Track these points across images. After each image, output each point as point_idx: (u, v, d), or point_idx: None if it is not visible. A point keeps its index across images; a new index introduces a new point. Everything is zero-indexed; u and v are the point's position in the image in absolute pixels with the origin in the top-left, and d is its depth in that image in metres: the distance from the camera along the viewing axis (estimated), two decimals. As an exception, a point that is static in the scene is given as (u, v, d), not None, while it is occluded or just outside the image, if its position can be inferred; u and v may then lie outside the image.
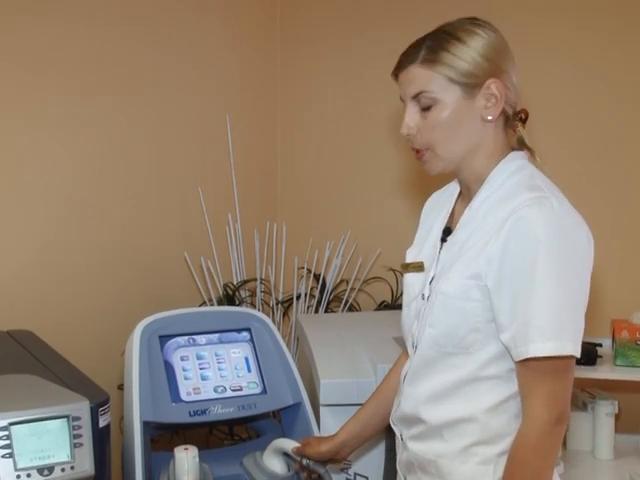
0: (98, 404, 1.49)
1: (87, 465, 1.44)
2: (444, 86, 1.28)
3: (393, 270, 2.67)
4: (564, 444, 2.33)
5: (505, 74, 1.30)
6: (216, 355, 1.86)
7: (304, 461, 1.62)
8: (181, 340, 1.85)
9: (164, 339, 1.84)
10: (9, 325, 1.97)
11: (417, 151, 1.34)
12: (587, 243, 1.27)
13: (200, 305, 2.59)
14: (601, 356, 2.23)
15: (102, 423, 1.50)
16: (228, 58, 2.75)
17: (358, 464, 1.89)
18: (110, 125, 2.34)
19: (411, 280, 1.42)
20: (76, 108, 2.23)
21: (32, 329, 1.96)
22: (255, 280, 2.69)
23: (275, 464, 1.69)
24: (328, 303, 2.71)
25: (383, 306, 2.71)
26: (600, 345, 2.26)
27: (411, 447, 1.39)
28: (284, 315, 2.74)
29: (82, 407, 1.46)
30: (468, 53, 1.27)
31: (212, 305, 2.57)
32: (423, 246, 1.44)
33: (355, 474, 1.90)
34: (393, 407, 1.48)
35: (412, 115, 1.31)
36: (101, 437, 1.49)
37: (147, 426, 1.73)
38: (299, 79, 2.91)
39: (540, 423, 1.22)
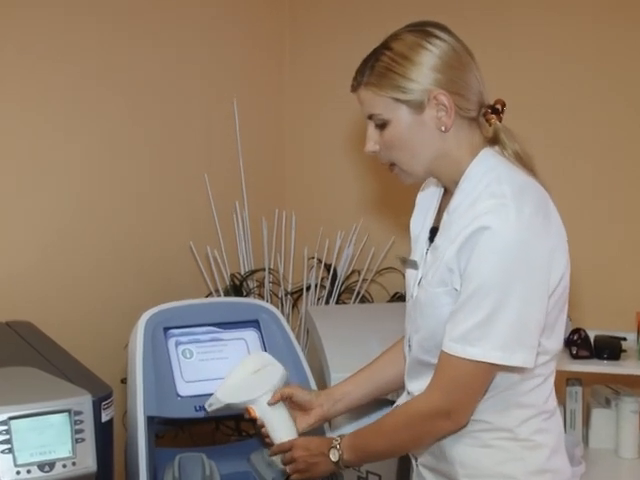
0: (101, 398, 1.50)
1: (89, 461, 1.45)
2: (391, 106, 1.32)
3: (405, 259, 2.65)
4: (586, 442, 2.33)
5: (456, 80, 1.32)
6: (222, 348, 1.86)
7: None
8: (186, 332, 1.85)
9: (169, 331, 1.84)
10: (8, 316, 1.97)
11: (388, 165, 1.40)
12: (547, 253, 1.28)
13: (206, 296, 2.59)
14: (625, 350, 2.22)
15: (105, 418, 1.50)
16: (235, 40, 2.74)
17: (370, 463, 1.89)
18: (114, 111, 2.34)
19: (408, 276, 1.48)
20: (79, 95, 2.23)
21: (31, 320, 1.96)
22: (263, 270, 2.68)
23: (284, 461, 1.69)
24: (339, 294, 2.71)
25: (396, 297, 2.70)
26: (624, 339, 2.25)
27: None
28: (293, 307, 2.74)
29: (84, 401, 1.46)
30: (411, 70, 1.31)
31: (218, 296, 2.57)
32: (417, 243, 1.48)
33: (367, 472, 1.91)
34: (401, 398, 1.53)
35: (372, 134, 1.37)
36: (104, 432, 1.50)
37: (151, 421, 1.73)
38: (308, 62, 2.90)
39: (431, 404, 1.32)
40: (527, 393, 1.34)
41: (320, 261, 2.72)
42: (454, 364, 1.29)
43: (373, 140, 1.37)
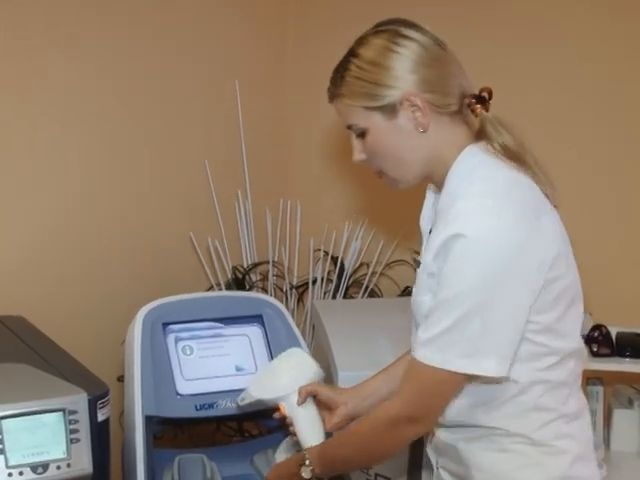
0: (97, 397, 1.50)
1: (85, 463, 1.45)
2: (364, 115, 1.35)
3: (418, 253, 2.66)
4: (607, 444, 2.33)
5: (429, 78, 1.33)
6: (224, 344, 1.87)
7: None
8: (186, 328, 1.86)
9: (168, 326, 1.85)
10: (-1, 311, 1.99)
11: (376, 172, 1.43)
12: (531, 258, 1.26)
13: (207, 290, 2.59)
14: (649, 348, 2.22)
15: (101, 417, 1.50)
16: (237, 19, 2.73)
17: (379, 465, 1.90)
18: (111, 98, 2.33)
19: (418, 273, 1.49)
20: (76, 81, 2.23)
21: (24, 315, 1.97)
22: (267, 263, 2.69)
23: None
24: (347, 288, 2.71)
25: (407, 292, 2.70)
26: (647, 336, 2.25)
27: (436, 432, 1.46)
28: (298, 301, 2.75)
29: (79, 400, 1.47)
30: (381, 76, 1.33)
31: (220, 290, 2.57)
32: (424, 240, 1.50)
33: (376, 475, 1.91)
34: None
35: (356, 144, 1.40)
36: (100, 432, 1.50)
37: (149, 421, 1.74)
38: (312, 43, 2.89)
39: (395, 410, 1.35)
40: (542, 396, 1.34)
41: (327, 253, 2.72)
42: (420, 370, 1.31)
43: (358, 149, 1.40)
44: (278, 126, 2.93)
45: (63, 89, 2.20)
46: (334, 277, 2.71)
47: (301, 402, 1.60)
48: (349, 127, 1.39)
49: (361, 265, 2.76)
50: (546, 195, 1.35)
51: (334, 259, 2.73)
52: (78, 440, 1.45)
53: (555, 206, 1.36)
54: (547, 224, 1.30)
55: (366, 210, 2.74)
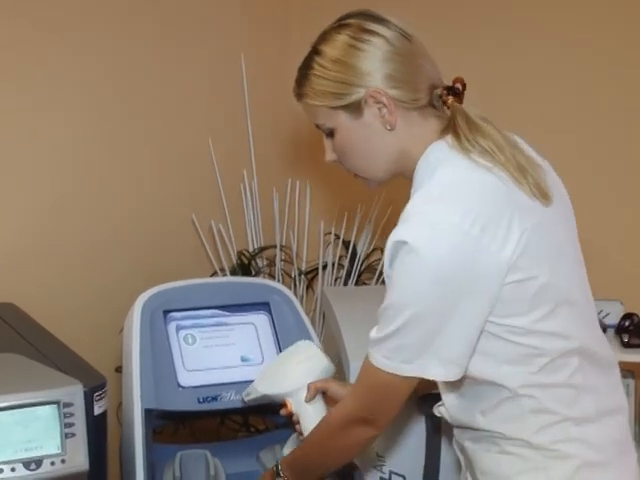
0: (93, 388, 1.50)
1: (80, 458, 1.46)
2: (329, 114, 1.39)
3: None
4: (638, 441, 2.31)
5: (394, 74, 1.34)
6: (229, 333, 1.86)
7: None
8: (189, 315, 1.85)
9: (169, 314, 1.84)
10: (-12, 297, 1.99)
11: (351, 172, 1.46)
12: (483, 264, 1.25)
13: (210, 275, 2.59)
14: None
15: (97, 410, 1.51)
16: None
17: (394, 461, 1.90)
18: (109, 72, 2.32)
19: None
20: (72, 53, 2.23)
21: (15, 302, 1.97)
22: (274, 247, 2.68)
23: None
24: (359, 274, 2.71)
25: (424, 278, 2.69)
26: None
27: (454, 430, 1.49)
28: (308, 288, 2.75)
29: (74, 392, 1.47)
30: (343, 74, 1.35)
31: (224, 275, 2.57)
32: None
33: (390, 472, 1.91)
34: None
35: (327, 144, 1.44)
36: (96, 426, 1.50)
37: (149, 415, 1.74)
38: (318, 15, 2.85)
39: (346, 412, 1.42)
40: (540, 398, 1.32)
41: (338, 237, 2.72)
42: (369, 370, 1.36)
43: (330, 149, 1.44)
44: (286, 102, 2.89)
45: (62, 69, 2.21)
46: (346, 262, 2.71)
47: (309, 399, 1.60)
48: (317, 127, 1.43)
49: (374, 250, 2.75)
50: (533, 195, 1.32)
51: (346, 243, 2.72)
52: (73, 435, 1.45)
53: (548, 204, 1.33)
54: (514, 227, 1.27)
55: (379, 191, 2.72)
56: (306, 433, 1.58)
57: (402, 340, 1.29)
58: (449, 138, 1.35)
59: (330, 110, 1.38)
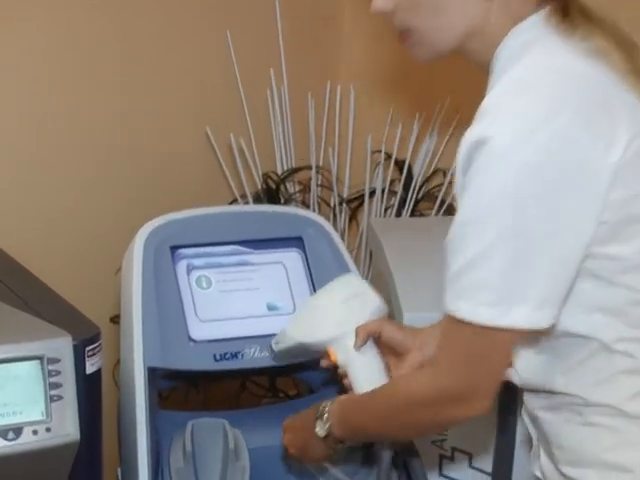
0: (84, 341, 1.52)
1: (69, 426, 1.48)
2: None
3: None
4: None
5: None
6: (252, 275, 1.87)
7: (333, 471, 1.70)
8: (202, 253, 1.86)
9: (178, 251, 1.85)
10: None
11: (400, 32, 1.43)
12: (586, 171, 1.23)
13: (229, 203, 2.61)
14: None
15: (90, 369, 1.53)
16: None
17: (457, 437, 1.92)
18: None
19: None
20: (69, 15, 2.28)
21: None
22: (309, 168, 2.69)
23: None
24: (416, 203, 2.71)
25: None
26: None
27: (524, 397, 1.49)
28: (351, 219, 2.77)
29: (62, 345, 1.49)
30: None
31: (246, 204, 2.59)
32: None
33: (453, 449, 1.93)
34: None
35: None
36: (89, 388, 1.53)
37: (153, 375, 1.75)
38: None
39: (435, 385, 1.35)
40: (635, 352, 1.31)
41: (389, 156, 2.72)
42: (451, 327, 1.31)
43: None
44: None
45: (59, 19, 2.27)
46: (399, 188, 2.71)
47: (360, 345, 1.58)
48: None
49: (435, 172, 2.75)
50: None
51: (399, 164, 2.72)
52: (60, 397, 1.47)
53: None
54: (612, 132, 1.25)
55: (444, 97, 2.70)
56: (359, 390, 1.56)
57: (478, 272, 1.25)
58: (548, 10, 1.32)
59: None
